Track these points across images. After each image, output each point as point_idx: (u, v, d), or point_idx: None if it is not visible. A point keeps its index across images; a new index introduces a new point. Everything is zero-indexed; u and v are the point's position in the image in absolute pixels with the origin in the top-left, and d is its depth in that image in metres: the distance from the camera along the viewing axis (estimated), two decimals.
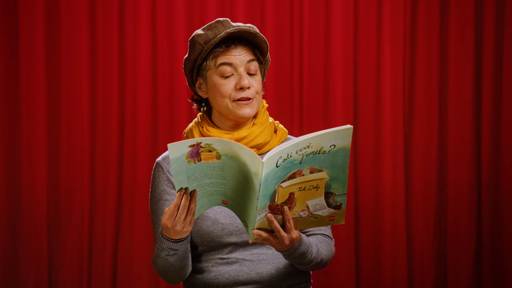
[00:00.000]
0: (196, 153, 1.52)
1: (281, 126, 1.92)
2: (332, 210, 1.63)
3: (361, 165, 3.66)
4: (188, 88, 3.62)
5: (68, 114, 3.60)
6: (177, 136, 3.55)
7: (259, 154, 1.86)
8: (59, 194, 3.60)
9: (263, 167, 1.51)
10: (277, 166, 1.53)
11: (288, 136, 1.93)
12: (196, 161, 1.53)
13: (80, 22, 3.59)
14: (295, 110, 3.65)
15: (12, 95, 3.60)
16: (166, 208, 1.64)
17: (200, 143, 1.51)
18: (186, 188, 1.56)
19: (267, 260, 1.83)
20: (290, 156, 1.54)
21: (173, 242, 1.68)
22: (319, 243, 1.79)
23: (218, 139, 1.52)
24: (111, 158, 3.61)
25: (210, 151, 1.52)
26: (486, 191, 3.66)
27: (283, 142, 1.90)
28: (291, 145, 1.52)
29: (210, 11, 3.61)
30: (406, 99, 3.69)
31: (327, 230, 1.87)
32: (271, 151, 1.53)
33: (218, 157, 1.53)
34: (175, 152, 1.51)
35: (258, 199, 1.54)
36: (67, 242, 3.60)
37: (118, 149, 3.62)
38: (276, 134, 1.90)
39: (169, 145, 1.49)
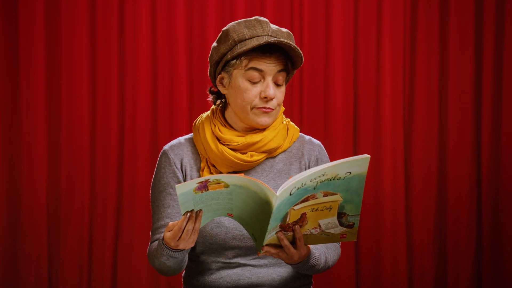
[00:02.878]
0: (204, 186, 1.51)
1: (292, 124, 1.89)
2: (344, 228, 1.61)
3: None
4: (188, 87, 3.64)
5: (68, 114, 3.60)
6: (177, 136, 3.53)
7: (269, 157, 1.84)
8: (59, 194, 3.60)
9: (277, 200, 1.50)
10: (290, 195, 1.52)
11: (300, 134, 1.90)
12: (203, 191, 1.51)
13: (80, 22, 3.59)
14: (295, 110, 3.65)
15: (12, 95, 3.60)
16: (171, 223, 1.62)
17: (209, 179, 1.49)
18: (191, 211, 1.55)
19: (269, 265, 1.82)
20: (304, 185, 1.52)
21: (173, 251, 1.67)
22: (327, 250, 1.78)
23: (227, 175, 1.50)
24: (111, 158, 3.61)
25: (218, 183, 1.51)
26: (486, 191, 3.66)
27: (294, 142, 1.87)
28: (305, 176, 1.50)
29: (210, 11, 3.61)
30: (406, 99, 3.69)
31: None
32: (285, 184, 1.51)
33: (226, 186, 1.52)
34: (183, 189, 1.49)
35: (269, 223, 1.53)
36: (67, 242, 3.60)
37: (118, 149, 3.62)
38: (287, 134, 1.86)
39: (177, 186, 1.47)
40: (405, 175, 3.67)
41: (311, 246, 1.69)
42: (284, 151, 1.86)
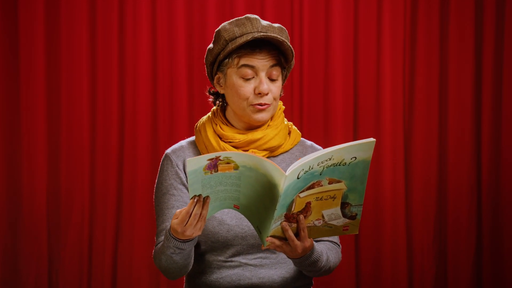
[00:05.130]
0: (214, 165, 1.51)
1: (294, 128, 1.91)
2: (347, 220, 1.62)
3: None
4: (188, 88, 3.64)
5: (68, 114, 3.60)
6: (177, 136, 3.55)
7: (271, 157, 1.85)
8: (59, 194, 3.60)
9: (285, 180, 1.51)
10: (298, 178, 1.53)
11: (302, 139, 1.92)
12: (213, 172, 1.52)
13: (80, 22, 3.59)
14: (295, 110, 3.65)
15: (12, 95, 3.60)
16: (177, 211, 1.62)
17: (219, 156, 1.50)
18: (199, 195, 1.55)
19: (270, 265, 1.82)
20: (312, 168, 1.53)
21: (180, 242, 1.67)
22: (329, 251, 1.78)
23: (238, 152, 1.51)
24: (111, 158, 3.61)
25: (228, 163, 1.51)
26: (486, 191, 3.66)
27: (295, 145, 1.89)
28: (313, 158, 1.52)
29: (210, 11, 3.61)
30: (406, 99, 3.69)
31: (335, 236, 1.85)
32: (294, 164, 1.52)
33: (236, 168, 1.52)
34: (193, 165, 1.49)
35: (276, 209, 1.54)
36: (67, 242, 3.60)
37: (118, 149, 3.62)
38: (289, 136, 1.88)
39: (187, 160, 1.48)
40: (405, 175, 3.67)
41: (314, 245, 1.69)
42: (286, 151, 1.88)
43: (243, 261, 1.81)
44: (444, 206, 3.69)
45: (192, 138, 1.91)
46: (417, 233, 3.68)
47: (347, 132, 3.65)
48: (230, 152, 1.51)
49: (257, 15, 3.79)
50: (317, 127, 3.64)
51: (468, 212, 3.67)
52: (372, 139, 1.54)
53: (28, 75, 3.58)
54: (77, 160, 3.60)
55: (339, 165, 1.55)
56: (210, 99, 1.91)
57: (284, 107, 1.89)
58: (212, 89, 1.90)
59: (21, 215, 3.59)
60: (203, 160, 1.49)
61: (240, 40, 1.76)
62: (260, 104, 1.79)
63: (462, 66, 3.66)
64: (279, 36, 1.77)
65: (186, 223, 1.59)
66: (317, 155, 1.52)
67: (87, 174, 3.61)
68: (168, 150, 1.88)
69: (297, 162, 1.53)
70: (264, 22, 1.80)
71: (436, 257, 3.69)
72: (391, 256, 3.66)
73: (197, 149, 1.87)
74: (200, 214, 1.58)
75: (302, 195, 1.56)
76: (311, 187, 1.56)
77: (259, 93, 1.78)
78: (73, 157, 3.60)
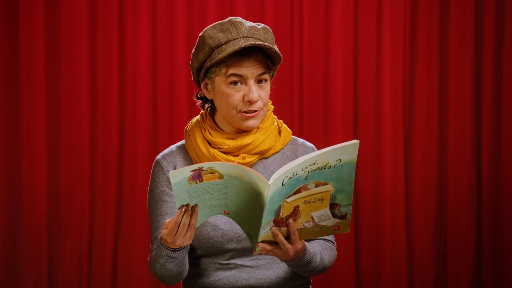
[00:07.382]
0: (198, 176, 1.50)
1: (285, 126, 1.89)
2: (337, 220, 1.61)
3: (361, 165, 3.66)
4: (188, 88, 3.64)
5: (68, 114, 3.60)
6: (177, 136, 3.55)
7: (262, 159, 1.84)
8: (59, 194, 3.60)
9: (269, 189, 1.50)
10: (282, 185, 1.52)
11: (293, 137, 1.90)
12: (198, 182, 1.51)
13: (80, 22, 3.59)
14: (295, 111, 3.65)
15: (12, 95, 3.60)
16: (166, 221, 1.61)
17: (202, 167, 1.49)
18: (187, 205, 1.55)
19: (266, 266, 1.82)
20: (296, 174, 1.52)
21: (172, 250, 1.66)
22: (323, 250, 1.78)
23: (221, 163, 1.50)
24: (111, 158, 3.61)
25: (212, 172, 1.51)
26: (486, 191, 3.66)
27: (286, 144, 1.88)
28: (297, 164, 1.51)
29: (210, 11, 3.61)
30: (406, 99, 3.69)
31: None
32: (277, 172, 1.51)
33: (221, 177, 1.52)
34: (176, 177, 1.49)
35: (263, 217, 1.53)
36: (67, 242, 3.60)
37: (118, 149, 3.62)
38: (280, 136, 1.87)
39: (170, 173, 1.47)
40: (405, 175, 3.68)
41: (306, 245, 1.69)
42: (277, 152, 1.86)
43: (240, 263, 1.81)
44: (444, 206, 3.69)
45: (182, 142, 1.89)
46: (417, 233, 3.68)
47: (347, 132, 3.65)
48: (213, 163, 1.50)
49: (257, 15, 3.79)
50: (317, 127, 3.64)
51: (468, 212, 3.67)
52: (355, 141, 1.53)
53: (28, 75, 3.58)
54: (77, 161, 3.60)
55: (324, 168, 1.54)
56: (198, 104, 1.89)
57: (273, 107, 1.87)
58: (200, 94, 1.88)
59: (21, 215, 3.59)
60: (186, 171, 1.49)
61: (227, 49, 1.73)
62: (250, 111, 1.77)
63: (462, 66, 3.67)
64: (267, 44, 1.74)
65: (176, 233, 1.59)
66: (300, 161, 1.51)
67: (87, 174, 3.61)
68: (159, 156, 1.87)
69: (280, 169, 1.52)
70: (248, 24, 1.77)
71: (436, 257, 3.69)
72: (391, 256, 3.66)
73: (187, 153, 1.86)
74: (189, 223, 1.57)
75: (289, 200, 1.56)
76: (297, 191, 1.55)
77: (249, 101, 1.77)
78: (73, 157, 3.60)
